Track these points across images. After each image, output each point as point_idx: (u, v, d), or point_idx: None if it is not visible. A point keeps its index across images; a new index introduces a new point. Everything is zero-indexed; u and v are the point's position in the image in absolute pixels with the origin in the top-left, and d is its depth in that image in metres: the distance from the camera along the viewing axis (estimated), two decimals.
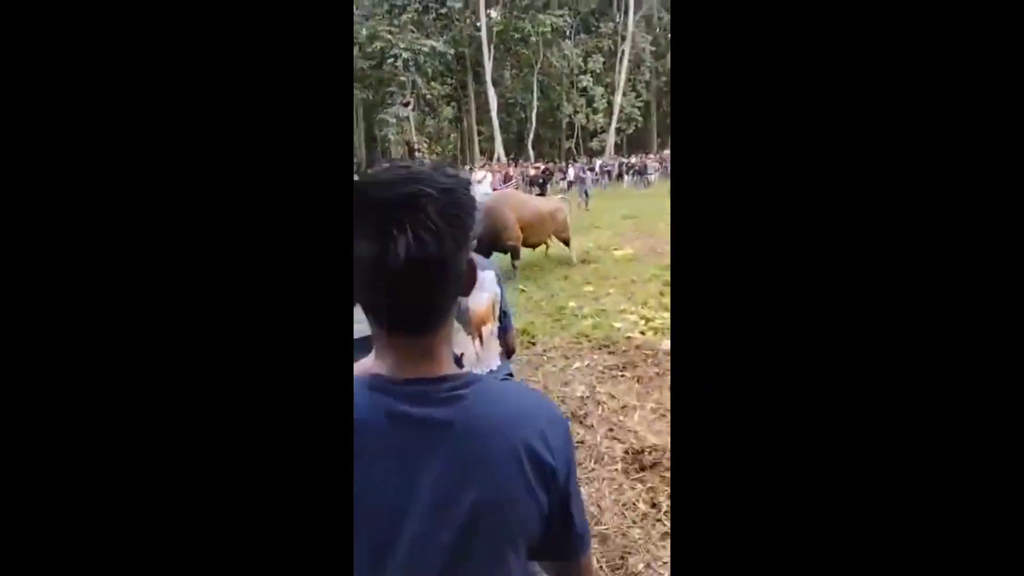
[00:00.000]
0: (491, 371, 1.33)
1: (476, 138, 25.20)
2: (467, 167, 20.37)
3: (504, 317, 1.35)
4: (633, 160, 20.29)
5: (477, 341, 1.29)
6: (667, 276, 5.16)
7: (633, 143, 27.77)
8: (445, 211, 0.45)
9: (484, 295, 1.29)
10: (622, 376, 3.05)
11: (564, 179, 16.97)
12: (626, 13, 24.42)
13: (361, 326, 0.52)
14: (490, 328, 1.30)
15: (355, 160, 22.13)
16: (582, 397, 2.80)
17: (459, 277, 0.48)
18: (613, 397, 2.79)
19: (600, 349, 3.46)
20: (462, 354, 1.27)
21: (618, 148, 26.45)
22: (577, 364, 3.24)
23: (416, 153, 20.97)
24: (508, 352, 1.40)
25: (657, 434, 2.38)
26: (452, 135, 26.99)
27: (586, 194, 13.25)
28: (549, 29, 22.90)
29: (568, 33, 24.81)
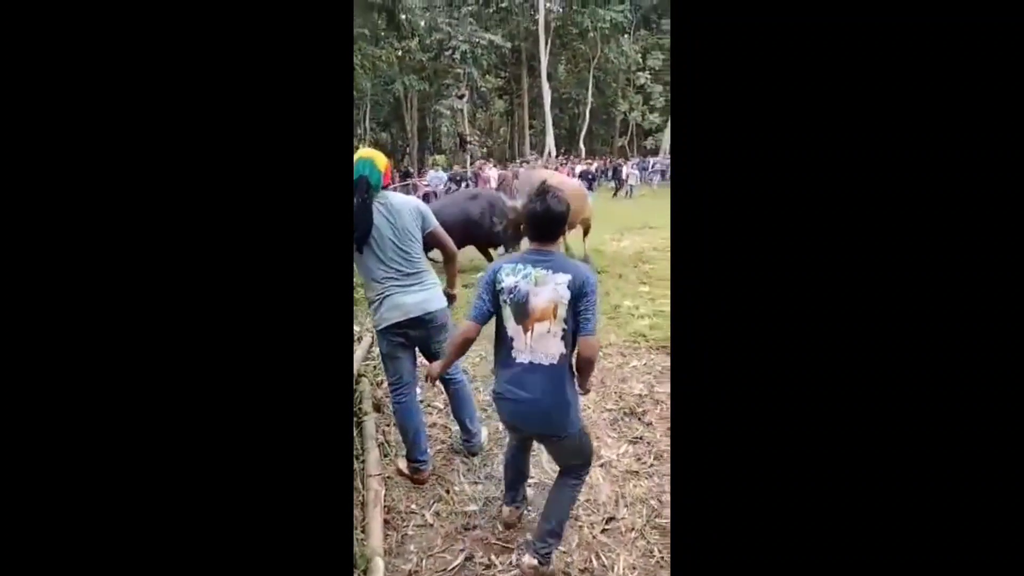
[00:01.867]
0: (535, 364, 1.46)
1: (527, 132, 25.19)
2: (518, 161, 20.44)
3: (582, 323, 1.41)
4: None
5: (529, 334, 1.45)
6: None
7: None
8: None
9: (546, 295, 1.42)
10: None
11: (614, 178, 16.79)
12: None
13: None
14: (545, 326, 1.43)
15: (407, 149, 22.62)
16: (640, 395, 2.81)
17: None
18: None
19: (658, 350, 3.44)
20: (512, 338, 1.48)
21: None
22: (634, 363, 3.24)
23: (468, 145, 21.22)
24: (578, 360, 1.46)
25: None
26: (502, 128, 27.10)
27: (631, 188, 14.95)
28: (608, 24, 22.51)
29: (627, 29, 24.30)
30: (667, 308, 4.33)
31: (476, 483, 2.11)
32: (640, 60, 24.73)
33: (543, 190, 1.46)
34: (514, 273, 1.45)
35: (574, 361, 1.46)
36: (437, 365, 1.62)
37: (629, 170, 16.26)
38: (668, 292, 4.72)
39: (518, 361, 1.46)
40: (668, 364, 3.22)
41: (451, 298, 2.28)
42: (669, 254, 5.35)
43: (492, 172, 14.33)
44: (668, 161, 20.51)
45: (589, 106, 24.44)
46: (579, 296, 1.40)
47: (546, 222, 1.45)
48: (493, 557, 1.72)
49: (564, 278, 1.41)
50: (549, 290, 1.41)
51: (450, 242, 2.10)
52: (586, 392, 1.56)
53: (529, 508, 1.92)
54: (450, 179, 13.73)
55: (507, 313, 1.46)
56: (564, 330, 1.41)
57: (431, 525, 1.88)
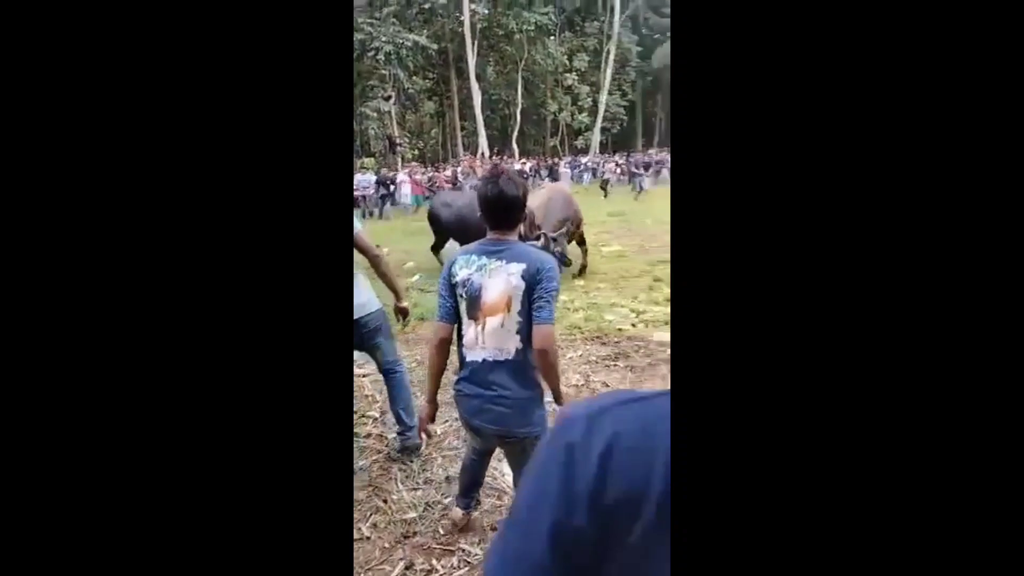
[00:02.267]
0: (491, 361, 1.34)
1: (459, 133, 25.08)
2: (452, 161, 20.26)
3: (535, 310, 1.30)
4: (618, 159, 20.61)
5: (481, 328, 1.34)
6: (657, 272, 5.25)
7: (618, 142, 28.06)
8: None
9: (499, 287, 1.32)
10: (615, 366, 3.12)
11: (550, 177, 17.11)
12: (612, 12, 24.60)
13: None
14: (498, 320, 1.32)
15: None
16: (577, 385, 2.86)
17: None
18: (607, 385, 2.87)
19: (592, 340, 3.53)
20: (466, 334, 1.38)
21: (603, 147, 26.69)
22: (571, 354, 3.30)
23: (398, 147, 20.76)
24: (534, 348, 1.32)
25: None
26: (433, 130, 26.81)
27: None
28: (533, 27, 22.90)
29: (553, 31, 24.87)
30: (600, 300, 4.46)
31: (415, 489, 2.05)
32: (567, 62, 25.39)
33: (495, 172, 1.36)
34: (468, 265, 1.36)
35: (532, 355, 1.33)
36: (426, 409, 1.50)
37: (562, 169, 16.67)
38: (600, 285, 4.88)
39: (472, 359, 1.37)
40: (602, 353, 3.31)
41: (403, 312, 2.24)
42: (602, 248, 5.39)
43: (422, 175, 14.12)
44: (598, 160, 21.23)
45: (520, 107, 24.74)
46: (534, 285, 1.30)
47: (500, 207, 1.33)
48: (434, 562, 1.67)
49: (518, 268, 1.31)
50: (502, 281, 1.31)
51: (371, 246, 2.04)
52: (558, 402, 1.35)
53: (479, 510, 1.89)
54: (378, 182, 13.26)
55: (462, 308, 1.38)
56: (519, 323, 1.31)
57: (368, 538, 1.80)
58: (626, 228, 8.34)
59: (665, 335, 3.52)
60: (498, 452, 1.68)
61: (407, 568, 1.65)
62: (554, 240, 4.77)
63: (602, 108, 24.97)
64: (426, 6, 22.08)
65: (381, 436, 2.42)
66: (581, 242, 5.45)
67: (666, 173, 17.48)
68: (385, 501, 1.96)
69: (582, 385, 2.87)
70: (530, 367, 1.34)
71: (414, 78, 22.50)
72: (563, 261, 4.93)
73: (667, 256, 5.32)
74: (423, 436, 1.57)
